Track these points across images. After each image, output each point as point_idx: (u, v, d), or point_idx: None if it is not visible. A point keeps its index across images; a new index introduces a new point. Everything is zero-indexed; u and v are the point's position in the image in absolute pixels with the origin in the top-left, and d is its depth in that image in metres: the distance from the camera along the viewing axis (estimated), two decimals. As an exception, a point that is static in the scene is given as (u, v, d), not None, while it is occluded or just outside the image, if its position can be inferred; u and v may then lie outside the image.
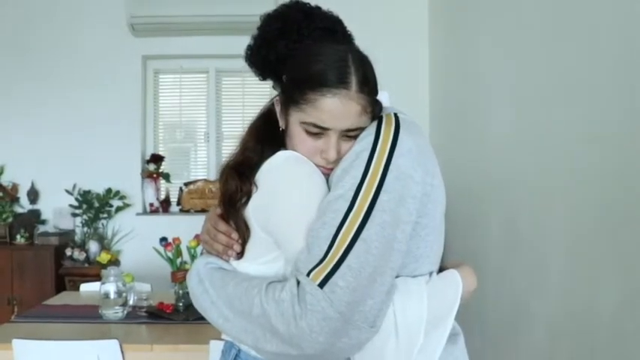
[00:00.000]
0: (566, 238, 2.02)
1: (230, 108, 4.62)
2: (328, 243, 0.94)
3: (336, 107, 1.00)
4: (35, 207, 4.33)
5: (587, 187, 1.87)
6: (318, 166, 1.05)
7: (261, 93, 4.47)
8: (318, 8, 1.21)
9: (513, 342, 2.49)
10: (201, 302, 1.08)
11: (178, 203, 4.47)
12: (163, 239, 2.59)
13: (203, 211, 4.34)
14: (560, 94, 2.09)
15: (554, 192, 2.11)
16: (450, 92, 3.70)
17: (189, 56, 4.45)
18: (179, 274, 2.49)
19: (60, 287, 3.92)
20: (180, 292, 2.50)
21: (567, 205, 2.01)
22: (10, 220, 4.20)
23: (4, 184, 4.30)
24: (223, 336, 1.15)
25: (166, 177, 4.48)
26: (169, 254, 2.55)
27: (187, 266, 2.56)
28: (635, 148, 1.60)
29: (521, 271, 2.43)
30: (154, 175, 4.41)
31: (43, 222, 4.33)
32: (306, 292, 0.92)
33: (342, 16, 1.23)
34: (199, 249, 2.55)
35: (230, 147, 4.48)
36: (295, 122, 1.05)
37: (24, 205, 4.34)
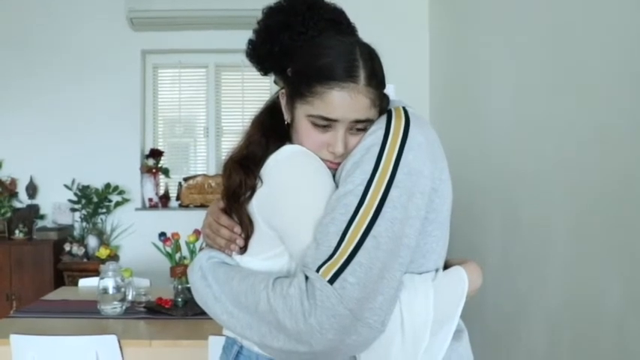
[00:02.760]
0: (568, 232, 2.01)
1: (229, 103, 4.61)
2: (338, 239, 0.93)
3: (344, 101, 0.98)
4: (34, 202, 4.32)
5: (589, 180, 1.86)
6: (324, 160, 1.04)
7: (260, 88, 4.46)
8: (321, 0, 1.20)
9: (514, 337, 2.49)
10: (204, 297, 1.06)
11: (177, 198, 4.46)
12: (162, 234, 2.58)
13: (202, 206, 4.33)
14: (561, 85, 2.07)
15: (556, 185, 2.10)
16: (451, 85, 3.68)
17: (188, 51, 4.43)
18: (178, 270, 2.48)
19: (58, 282, 3.92)
20: (179, 287, 2.50)
21: (569, 198, 2.00)
22: (8, 215, 4.19)
23: (3, 178, 4.29)
24: (225, 332, 1.14)
25: (165, 172, 4.47)
26: (168, 249, 2.54)
27: (186, 261, 2.55)
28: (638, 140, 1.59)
29: (522, 266, 2.42)
30: (153, 170, 4.40)
31: (42, 217, 4.32)
32: (316, 288, 0.90)
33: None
34: (198, 244, 2.54)
35: (229, 142, 4.48)
36: (302, 115, 1.03)
37: (22, 200, 4.32)
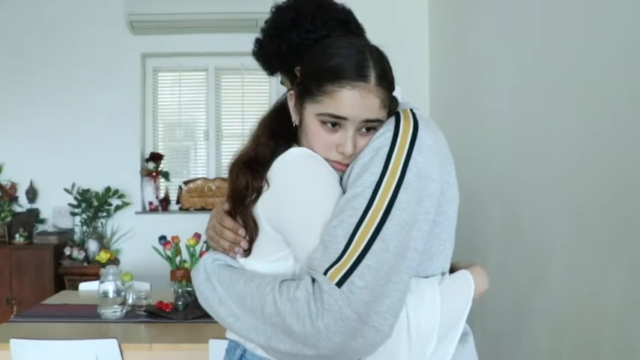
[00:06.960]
0: (568, 233, 2.01)
1: (229, 106, 4.60)
2: (346, 241, 0.92)
3: (355, 100, 0.98)
4: (34, 206, 4.32)
5: (590, 180, 1.86)
6: (332, 161, 1.03)
7: (260, 91, 4.46)
8: None
9: (515, 339, 2.48)
10: (208, 300, 1.06)
11: (178, 202, 4.46)
12: (162, 238, 2.58)
13: (202, 209, 4.33)
14: (561, 86, 2.07)
15: (556, 186, 2.10)
16: (450, 86, 3.68)
17: (188, 54, 4.44)
18: (178, 273, 2.48)
19: (59, 286, 3.92)
20: (180, 290, 2.49)
21: (570, 198, 2.00)
22: (8, 219, 4.19)
23: (3, 183, 4.29)
24: (228, 334, 1.13)
25: (166, 175, 4.48)
26: (168, 253, 2.53)
27: (186, 265, 2.55)
28: (639, 139, 1.59)
29: (522, 267, 2.42)
30: (154, 174, 4.41)
31: (42, 221, 4.32)
32: (323, 291, 0.90)
33: None
34: (198, 247, 2.54)
35: (229, 145, 4.49)
36: (311, 115, 1.02)
37: (23, 205, 4.32)
